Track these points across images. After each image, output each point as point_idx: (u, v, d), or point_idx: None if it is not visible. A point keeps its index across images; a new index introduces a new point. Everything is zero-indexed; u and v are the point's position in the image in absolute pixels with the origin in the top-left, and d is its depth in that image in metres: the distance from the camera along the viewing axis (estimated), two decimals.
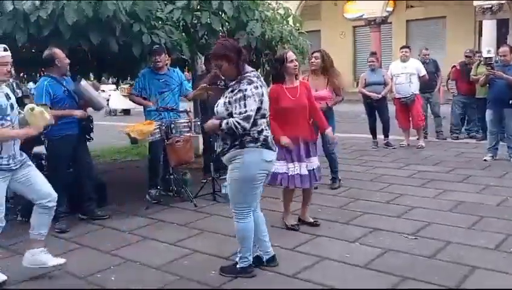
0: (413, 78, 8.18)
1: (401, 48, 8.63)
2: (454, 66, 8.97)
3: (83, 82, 4.83)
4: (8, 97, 3.46)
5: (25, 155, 3.57)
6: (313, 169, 4.34)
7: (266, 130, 3.35)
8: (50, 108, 4.28)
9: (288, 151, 4.20)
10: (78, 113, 4.68)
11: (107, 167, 7.77)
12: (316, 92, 5.31)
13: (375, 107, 8.32)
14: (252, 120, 3.18)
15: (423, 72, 8.29)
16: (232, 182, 3.33)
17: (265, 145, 3.31)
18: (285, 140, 4.14)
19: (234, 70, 3.26)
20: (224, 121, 3.19)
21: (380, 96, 8.09)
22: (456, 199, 5.13)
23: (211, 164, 5.74)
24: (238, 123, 3.14)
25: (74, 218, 4.88)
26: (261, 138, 3.28)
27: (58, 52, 4.58)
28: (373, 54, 9.05)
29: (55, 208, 3.63)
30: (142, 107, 5.90)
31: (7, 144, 3.37)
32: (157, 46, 5.28)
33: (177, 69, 6.16)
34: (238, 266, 3.46)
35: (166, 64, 6.00)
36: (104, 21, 4.67)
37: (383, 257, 3.70)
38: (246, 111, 3.15)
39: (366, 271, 3.47)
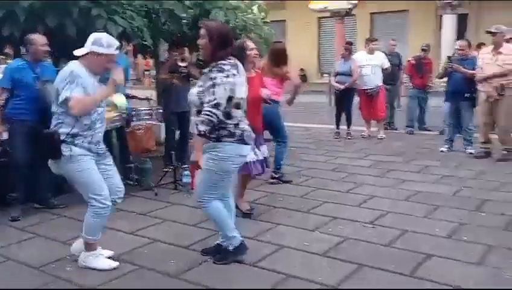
0: (377, 70, 8.31)
1: (370, 40, 8.71)
2: (409, 61, 9.09)
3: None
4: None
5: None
6: (264, 158, 4.42)
7: (243, 122, 3.31)
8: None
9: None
10: None
11: None
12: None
13: (341, 98, 8.42)
14: (222, 108, 3.12)
15: (387, 64, 8.44)
16: (205, 171, 3.29)
17: (242, 140, 3.28)
18: None
19: (209, 51, 3.21)
20: (197, 124, 3.12)
21: (342, 87, 8.17)
22: (413, 188, 5.26)
23: (173, 153, 5.68)
24: (210, 111, 3.09)
25: (27, 207, 4.72)
26: (238, 132, 3.25)
27: (34, 37, 4.44)
28: (346, 43, 9.15)
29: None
30: None
31: (95, 132, 3.33)
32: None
33: (122, 54, 6.05)
34: (230, 248, 3.44)
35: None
36: (61, 4, 4.52)
37: (341, 245, 3.76)
38: (214, 99, 3.10)
39: (325, 259, 3.52)
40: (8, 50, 6.64)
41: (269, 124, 5.26)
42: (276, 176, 5.60)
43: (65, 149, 3.22)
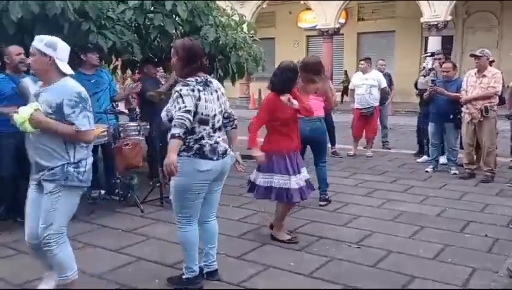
0: (374, 89, 8.33)
1: (362, 60, 8.79)
2: None
3: (26, 80, 4.61)
4: None
5: None
6: (308, 179, 4.31)
7: (208, 138, 3.17)
8: None
9: (291, 163, 4.13)
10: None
11: None
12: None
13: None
14: (191, 115, 3.05)
15: (384, 84, 8.49)
16: (171, 189, 3.27)
17: (199, 154, 3.15)
18: (257, 153, 4.06)
19: (179, 69, 3.23)
20: (169, 134, 3.03)
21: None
22: (398, 208, 5.30)
23: (160, 168, 5.64)
24: (181, 117, 3.00)
25: (11, 222, 4.64)
26: (195, 146, 3.13)
27: (10, 49, 4.49)
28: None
29: None
30: None
31: None
32: (91, 45, 5.17)
33: (105, 69, 6.07)
34: (184, 276, 3.38)
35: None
36: (51, 18, 4.52)
37: (327, 266, 3.76)
38: (185, 106, 3.03)
39: (310, 280, 3.51)
40: None
41: (315, 142, 5.22)
42: (327, 197, 5.51)
43: None
